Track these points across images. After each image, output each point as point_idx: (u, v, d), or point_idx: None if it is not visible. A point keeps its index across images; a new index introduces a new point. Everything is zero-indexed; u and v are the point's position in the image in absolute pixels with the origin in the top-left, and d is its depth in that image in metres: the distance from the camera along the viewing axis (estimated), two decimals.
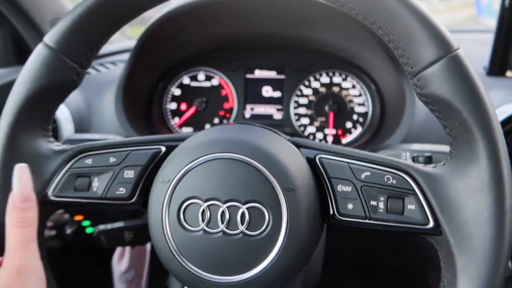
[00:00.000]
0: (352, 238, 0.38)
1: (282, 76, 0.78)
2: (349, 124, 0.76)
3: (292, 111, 0.77)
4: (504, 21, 0.62)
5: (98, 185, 0.40)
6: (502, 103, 0.58)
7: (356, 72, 0.76)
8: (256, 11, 0.68)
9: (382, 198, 0.38)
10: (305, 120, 0.77)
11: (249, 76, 0.79)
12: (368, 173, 0.39)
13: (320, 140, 0.76)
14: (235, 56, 0.80)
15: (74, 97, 0.71)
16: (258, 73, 0.79)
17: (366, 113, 0.75)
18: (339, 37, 0.69)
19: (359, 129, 0.75)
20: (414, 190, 0.37)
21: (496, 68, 0.65)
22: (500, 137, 0.35)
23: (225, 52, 0.80)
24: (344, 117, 0.76)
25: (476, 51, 0.74)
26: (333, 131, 0.76)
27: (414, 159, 0.49)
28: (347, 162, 0.39)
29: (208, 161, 0.38)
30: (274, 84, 0.79)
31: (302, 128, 0.77)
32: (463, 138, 0.36)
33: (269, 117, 0.79)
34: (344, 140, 0.76)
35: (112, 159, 0.41)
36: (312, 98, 0.77)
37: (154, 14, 0.69)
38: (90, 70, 0.81)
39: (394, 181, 0.38)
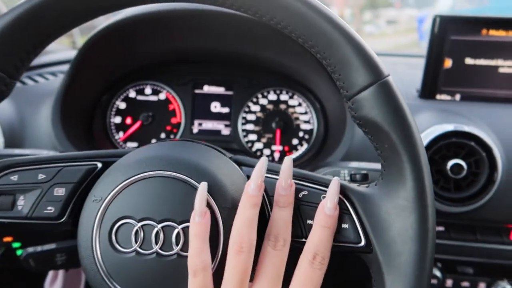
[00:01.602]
0: (294, 258, 0.38)
1: (230, 92, 0.79)
2: (295, 141, 0.77)
3: (240, 127, 0.78)
4: (434, 47, 0.67)
5: (23, 203, 0.37)
6: (432, 124, 0.62)
7: (302, 91, 0.78)
8: (204, 26, 0.69)
9: None
10: (253, 137, 0.78)
11: (197, 91, 0.79)
12: (305, 192, 0.40)
13: (268, 156, 0.77)
14: (183, 70, 0.79)
15: (5, 108, 0.67)
16: (207, 89, 0.79)
17: (311, 130, 0.77)
18: (286, 57, 0.71)
19: (305, 146, 0.77)
20: (348, 210, 0.39)
21: (427, 91, 0.70)
22: (424, 159, 0.37)
23: (173, 67, 0.79)
24: (290, 134, 0.78)
25: (412, 75, 0.79)
26: (280, 148, 0.77)
27: (351, 177, 0.51)
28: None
29: (143, 179, 0.37)
30: (223, 100, 0.79)
31: (249, 144, 0.78)
32: (392, 160, 0.38)
33: (217, 132, 0.78)
34: (291, 157, 0.77)
35: (41, 176, 0.39)
36: (259, 114, 0.78)
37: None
38: (27, 80, 0.76)
39: None
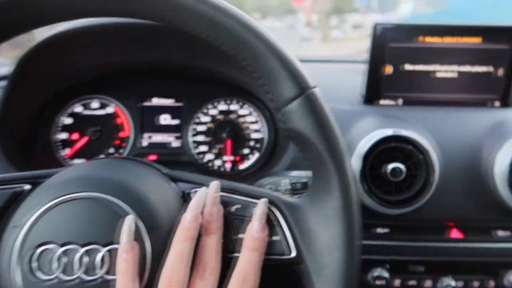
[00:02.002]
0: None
1: (180, 104, 0.78)
2: (246, 150, 0.78)
3: (190, 139, 0.77)
4: (374, 54, 0.70)
5: None
6: (375, 129, 0.64)
7: (252, 100, 0.78)
8: (147, 39, 0.68)
9: None
10: (204, 148, 0.77)
11: (146, 104, 0.78)
12: (238, 206, 0.40)
13: (219, 167, 0.77)
14: (131, 83, 0.78)
15: None
16: (156, 101, 0.78)
17: (262, 139, 0.78)
18: (229, 67, 0.71)
19: (256, 155, 0.77)
20: (279, 221, 0.39)
21: (370, 97, 0.72)
22: (349, 170, 0.38)
23: (121, 80, 0.78)
24: (241, 143, 0.78)
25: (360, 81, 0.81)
26: (231, 158, 0.77)
27: (292, 186, 0.52)
28: (220, 195, 0.40)
29: (66, 202, 0.36)
30: (172, 111, 0.78)
31: (200, 156, 0.77)
32: (319, 170, 0.38)
33: (167, 145, 0.78)
34: (242, 166, 0.77)
35: None
36: (210, 125, 0.78)
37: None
38: None
39: None
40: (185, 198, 0.40)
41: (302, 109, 0.37)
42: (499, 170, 0.61)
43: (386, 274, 0.67)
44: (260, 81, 0.39)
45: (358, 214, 0.38)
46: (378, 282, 0.66)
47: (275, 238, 0.39)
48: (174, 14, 0.37)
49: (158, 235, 0.36)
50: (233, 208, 0.40)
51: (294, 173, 0.54)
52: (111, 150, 0.76)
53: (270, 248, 0.39)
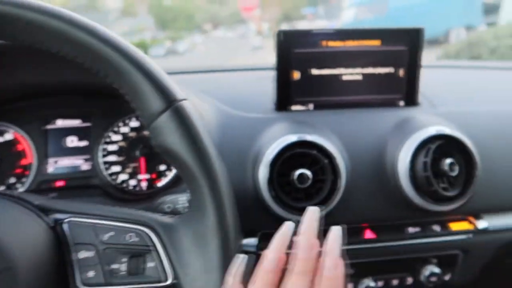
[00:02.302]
0: None
1: (87, 124, 0.74)
2: (162, 167, 0.74)
3: (100, 160, 0.73)
4: (280, 60, 0.69)
5: None
6: (283, 135, 0.63)
7: None
8: (36, 59, 0.63)
9: (124, 259, 0.37)
10: (116, 168, 0.73)
11: (49, 126, 0.73)
12: (112, 233, 0.37)
13: (134, 187, 0.73)
14: (31, 106, 0.73)
15: None
16: (61, 123, 0.73)
17: None
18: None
19: (174, 171, 0.74)
20: (154, 246, 0.37)
21: (281, 104, 0.72)
22: (222, 185, 0.36)
23: (19, 103, 0.72)
24: (157, 160, 0.74)
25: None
26: (147, 176, 0.74)
27: (189, 202, 0.50)
28: (93, 224, 0.37)
29: None
30: (79, 133, 0.74)
31: (113, 177, 0.73)
32: (193, 187, 0.37)
33: (76, 168, 0.73)
34: (160, 184, 0.74)
35: None
36: (122, 144, 0.74)
37: None
38: None
39: (137, 239, 0.37)
40: (57, 229, 0.37)
41: (170, 124, 0.35)
42: (402, 167, 0.62)
43: None
44: (127, 97, 0.36)
45: (234, 230, 0.36)
46: None
47: (150, 264, 0.36)
48: (26, 32, 0.34)
49: (11, 277, 0.32)
50: (106, 237, 0.37)
51: None
52: (12, 180, 0.70)
53: (144, 276, 0.36)
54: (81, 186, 0.72)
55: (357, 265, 0.68)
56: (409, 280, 0.69)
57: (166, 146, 0.36)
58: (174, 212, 0.62)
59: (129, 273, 0.36)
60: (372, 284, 0.67)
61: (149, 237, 0.37)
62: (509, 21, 5.20)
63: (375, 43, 0.71)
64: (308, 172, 0.59)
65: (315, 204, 0.60)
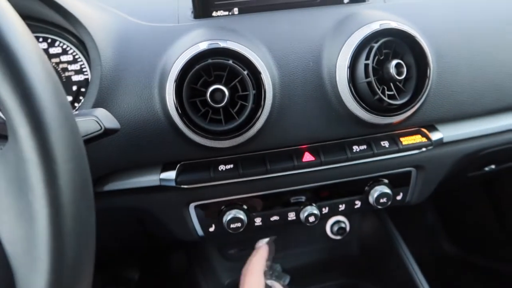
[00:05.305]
0: None
1: None
2: (68, 98, 0.62)
3: None
4: None
5: None
6: (193, 44, 0.51)
7: (62, 34, 0.62)
8: None
9: None
10: None
11: None
12: None
13: None
14: None
15: None
16: None
17: (86, 81, 0.62)
18: None
19: (83, 101, 0.62)
20: None
21: (200, 10, 0.58)
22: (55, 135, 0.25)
23: None
24: None
25: None
26: None
27: None
28: None
29: None
30: None
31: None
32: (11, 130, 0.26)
33: None
34: None
35: None
36: None
37: None
38: None
39: None
40: None
41: None
42: (340, 74, 0.51)
43: (242, 215, 0.58)
44: None
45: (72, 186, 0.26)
46: (233, 225, 0.58)
47: None
48: None
49: None
50: None
51: None
52: None
53: None
54: None
55: (297, 192, 0.60)
56: (357, 204, 0.62)
57: None
58: None
59: None
60: (315, 211, 0.60)
61: None
62: None
63: None
64: (223, 88, 0.48)
65: (237, 127, 0.50)
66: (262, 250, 0.69)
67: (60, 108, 0.27)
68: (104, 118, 0.40)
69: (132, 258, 1.08)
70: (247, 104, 0.49)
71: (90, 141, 0.39)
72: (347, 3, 0.60)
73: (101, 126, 0.39)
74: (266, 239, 0.75)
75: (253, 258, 0.67)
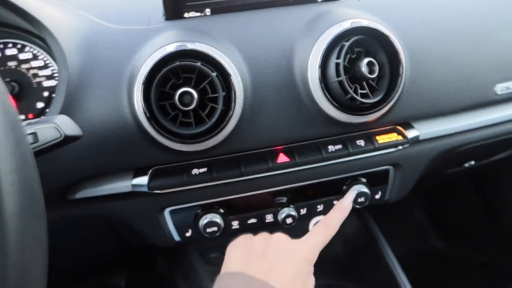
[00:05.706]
0: None
1: None
2: (40, 104, 0.61)
3: None
4: None
5: None
6: (167, 44, 0.50)
7: (31, 39, 0.60)
8: None
9: None
10: None
11: None
12: None
13: None
14: None
15: None
16: None
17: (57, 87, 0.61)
18: None
19: (54, 107, 0.61)
20: None
21: (171, 11, 0.57)
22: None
23: None
24: (32, 97, 0.61)
25: None
26: (22, 117, 0.61)
27: None
28: None
29: None
30: None
31: None
32: None
33: None
34: None
35: None
36: None
37: None
38: None
39: None
40: None
41: None
42: (312, 73, 0.51)
43: (218, 219, 0.57)
44: None
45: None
46: (209, 230, 0.57)
47: None
48: None
49: None
50: None
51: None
52: None
53: None
54: None
55: (274, 194, 0.59)
56: (336, 203, 0.61)
57: None
58: None
59: None
60: (293, 213, 0.59)
61: None
62: None
63: None
64: (191, 90, 0.47)
65: (208, 129, 0.49)
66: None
67: (3, 116, 0.26)
68: (64, 125, 0.39)
69: (118, 265, 1.06)
70: (217, 106, 0.48)
71: (51, 149, 0.38)
72: (321, 1, 0.59)
73: (61, 133, 0.38)
74: None
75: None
